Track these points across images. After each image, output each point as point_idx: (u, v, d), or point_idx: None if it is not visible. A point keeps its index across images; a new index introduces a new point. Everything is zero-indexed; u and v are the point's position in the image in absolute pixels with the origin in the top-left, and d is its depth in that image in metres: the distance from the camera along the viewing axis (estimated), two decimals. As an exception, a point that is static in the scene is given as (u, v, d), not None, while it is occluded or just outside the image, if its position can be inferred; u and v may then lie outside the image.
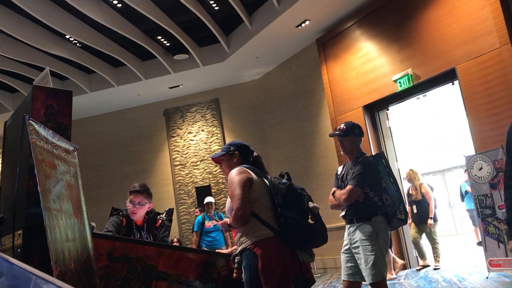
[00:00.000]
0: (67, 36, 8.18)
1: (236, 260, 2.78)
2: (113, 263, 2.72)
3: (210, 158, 3.22)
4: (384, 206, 3.52)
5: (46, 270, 1.69)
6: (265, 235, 2.65)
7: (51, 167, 1.96)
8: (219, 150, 11.28)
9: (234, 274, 2.79)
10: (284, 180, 2.80)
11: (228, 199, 2.84)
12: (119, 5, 7.48)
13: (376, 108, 7.96)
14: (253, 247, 2.64)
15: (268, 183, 2.84)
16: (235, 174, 2.79)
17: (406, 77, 7.12)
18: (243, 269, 2.70)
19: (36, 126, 1.91)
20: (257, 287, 2.58)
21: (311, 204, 2.74)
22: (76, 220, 2.15)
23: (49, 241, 1.78)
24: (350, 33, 8.21)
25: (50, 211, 1.83)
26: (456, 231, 13.94)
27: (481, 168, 5.72)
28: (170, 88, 10.61)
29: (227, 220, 2.82)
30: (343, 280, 3.63)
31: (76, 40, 8.35)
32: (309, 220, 2.67)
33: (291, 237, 2.67)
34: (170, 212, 4.62)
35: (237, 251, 2.77)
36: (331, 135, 3.97)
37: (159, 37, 8.78)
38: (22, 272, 1.69)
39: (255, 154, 3.04)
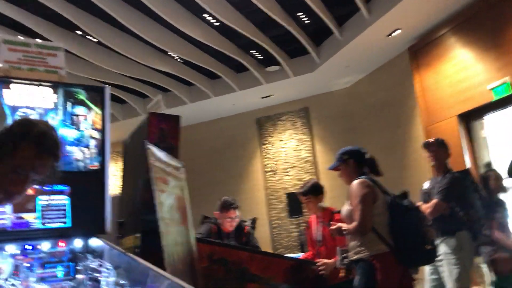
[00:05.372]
0: (170, 53, 8.94)
1: (345, 261, 3.06)
2: (212, 264, 3.10)
3: (328, 169, 3.44)
4: (470, 221, 3.57)
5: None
6: (382, 250, 2.89)
7: (164, 183, 2.36)
8: (310, 157, 11.42)
9: (341, 273, 3.10)
10: (405, 202, 2.98)
11: (346, 206, 3.08)
12: (216, 23, 8.06)
13: (471, 118, 7.70)
14: (371, 260, 2.89)
15: (389, 200, 3.02)
16: (360, 186, 2.98)
17: (503, 86, 6.85)
18: (357, 276, 2.96)
19: (153, 149, 2.32)
20: None
21: (429, 231, 2.92)
22: (184, 227, 2.54)
23: (163, 245, 2.17)
24: (444, 41, 8.03)
25: (164, 220, 2.23)
26: None
27: None
28: (262, 98, 11.07)
29: (342, 225, 3.07)
30: (428, 292, 3.73)
31: (177, 56, 9.10)
32: (426, 246, 2.85)
33: (406, 257, 2.86)
34: (254, 221, 5.02)
35: (351, 257, 3.02)
36: (424, 143, 4.14)
37: (253, 51, 9.26)
38: (143, 267, 2.12)
39: (368, 156, 3.20)
